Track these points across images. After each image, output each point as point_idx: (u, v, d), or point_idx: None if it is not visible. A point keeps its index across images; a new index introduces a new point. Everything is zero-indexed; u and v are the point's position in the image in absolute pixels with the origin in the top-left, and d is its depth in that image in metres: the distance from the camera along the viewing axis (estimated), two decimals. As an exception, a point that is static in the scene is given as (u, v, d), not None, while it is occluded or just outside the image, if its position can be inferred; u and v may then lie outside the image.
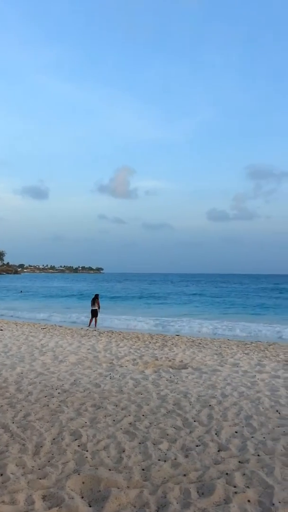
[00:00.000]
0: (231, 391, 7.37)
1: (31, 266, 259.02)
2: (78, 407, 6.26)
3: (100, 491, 3.76)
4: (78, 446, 4.79)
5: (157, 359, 10.48)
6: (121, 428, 5.38)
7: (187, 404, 6.50)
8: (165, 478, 4.01)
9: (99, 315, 20.09)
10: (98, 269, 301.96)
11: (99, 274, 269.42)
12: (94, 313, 19.83)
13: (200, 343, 13.74)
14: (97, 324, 19.65)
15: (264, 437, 5.11)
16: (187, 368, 9.55)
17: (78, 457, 4.46)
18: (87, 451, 4.64)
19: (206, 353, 11.68)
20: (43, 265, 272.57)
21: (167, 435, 5.16)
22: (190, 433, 5.25)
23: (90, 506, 3.53)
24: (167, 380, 8.19)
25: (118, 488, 3.78)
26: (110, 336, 15.12)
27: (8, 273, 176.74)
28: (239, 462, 4.39)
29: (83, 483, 3.89)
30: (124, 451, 4.65)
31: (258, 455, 4.55)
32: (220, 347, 12.95)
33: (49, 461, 4.37)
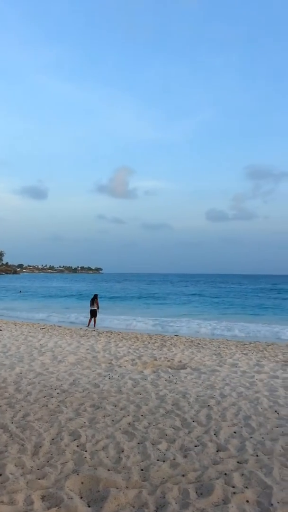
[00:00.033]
0: (230, 392, 7.38)
1: (30, 266, 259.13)
2: (77, 407, 6.26)
3: (99, 491, 3.77)
4: (77, 446, 4.80)
5: (156, 359, 10.48)
6: (120, 428, 5.38)
7: (186, 404, 6.50)
8: (164, 478, 4.02)
9: (98, 315, 20.08)
10: (97, 269, 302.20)
11: (98, 274, 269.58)
12: (93, 313, 19.82)
13: (199, 343, 13.75)
14: (96, 324, 19.64)
15: (262, 438, 5.12)
16: (186, 368, 9.56)
17: (77, 457, 4.47)
18: (86, 451, 4.64)
19: (205, 353, 11.69)
20: (42, 265, 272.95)
21: (166, 435, 5.17)
22: (189, 433, 5.26)
23: (89, 506, 3.54)
24: (166, 380, 8.20)
25: (117, 488, 3.78)
26: (109, 336, 15.12)
27: (7, 273, 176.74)
28: (238, 462, 4.39)
29: (82, 483, 3.89)
30: (123, 451, 4.65)
31: (257, 456, 4.56)
32: (219, 347, 12.96)
33: (48, 461, 4.37)
